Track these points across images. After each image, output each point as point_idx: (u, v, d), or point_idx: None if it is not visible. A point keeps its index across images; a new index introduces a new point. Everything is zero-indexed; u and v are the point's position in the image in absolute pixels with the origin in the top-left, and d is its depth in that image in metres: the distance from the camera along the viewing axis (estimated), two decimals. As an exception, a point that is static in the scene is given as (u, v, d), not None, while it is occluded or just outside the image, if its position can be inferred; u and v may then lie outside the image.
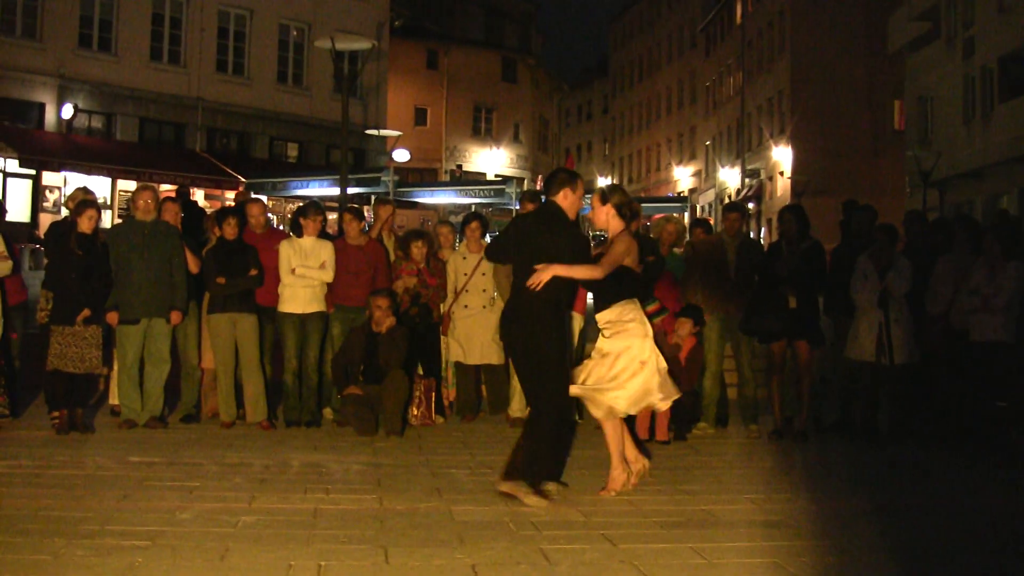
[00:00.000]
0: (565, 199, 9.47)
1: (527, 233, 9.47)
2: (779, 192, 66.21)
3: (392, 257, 13.93)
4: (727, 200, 73.58)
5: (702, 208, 78.41)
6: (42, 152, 37.74)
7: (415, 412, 13.27)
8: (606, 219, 9.68)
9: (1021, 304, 12.14)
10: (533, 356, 9.24)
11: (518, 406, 13.38)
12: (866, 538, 8.34)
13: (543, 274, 9.08)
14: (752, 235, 55.75)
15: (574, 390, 9.46)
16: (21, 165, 37.21)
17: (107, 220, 38.17)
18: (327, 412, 13.60)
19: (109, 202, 40.07)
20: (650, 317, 12.19)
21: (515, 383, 13.48)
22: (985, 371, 12.25)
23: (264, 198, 33.67)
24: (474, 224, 14.03)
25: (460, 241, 14.67)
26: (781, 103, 67.85)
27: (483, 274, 13.58)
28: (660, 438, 12.23)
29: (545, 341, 9.21)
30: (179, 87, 44.52)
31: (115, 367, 13.09)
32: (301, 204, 15.44)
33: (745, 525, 8.67)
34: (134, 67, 42.85)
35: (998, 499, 10.13)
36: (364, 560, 7.27)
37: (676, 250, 14.04)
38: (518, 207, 13.65)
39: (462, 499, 9.21)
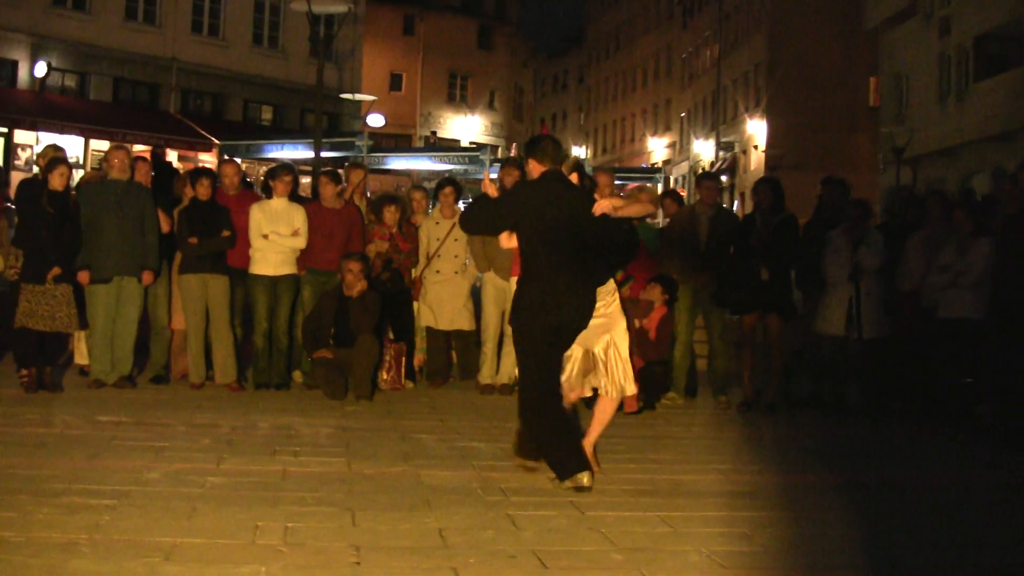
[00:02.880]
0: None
1: (545, 201, 8.79)
2: (753, 166, 66.23)
3: (365, 221, 13.88)
4: (700, 171, 73.68)
5: (675, 180, 78.39)
6: (14, 110, 37.49)
7: (385, 376, 13.26)
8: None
9: (991, 281, 12.15)
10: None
11: (488, 372, 13.41)
12: (834, 511, 8.37)
13: (603, 204, 8.77)
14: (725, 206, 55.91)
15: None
16: (-7, 123, 36.94)
17: (78, 179, 37.98)
18: (297, 375, 13.58)
19: (81, 161, 39.79)
20: (618, 285, 12.22)
21: (486, 349, 13.50)
22: (953, 347, 12.27)
23: (238, 160, 33.53)
24: (448, 189, 13.97)
25: (433, 206, 14.64)
26: (757, 77, 67.84)
27: (455, 240, 13.54)
28: (628, 409, 12.21)
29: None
30: (154, 47, 44.21)
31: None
32: (272, 166, 15.36)
33: (713, 495, 8.71)
34: (109, 26, 42.52)
35: (965, 474, 10.20)
36: (331, 523, 7.26)
37: (648, 220, 14.01)
38: (493, 175, 13.47)
39: (430, 464, 9.22)
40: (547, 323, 8.58)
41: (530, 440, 8.98)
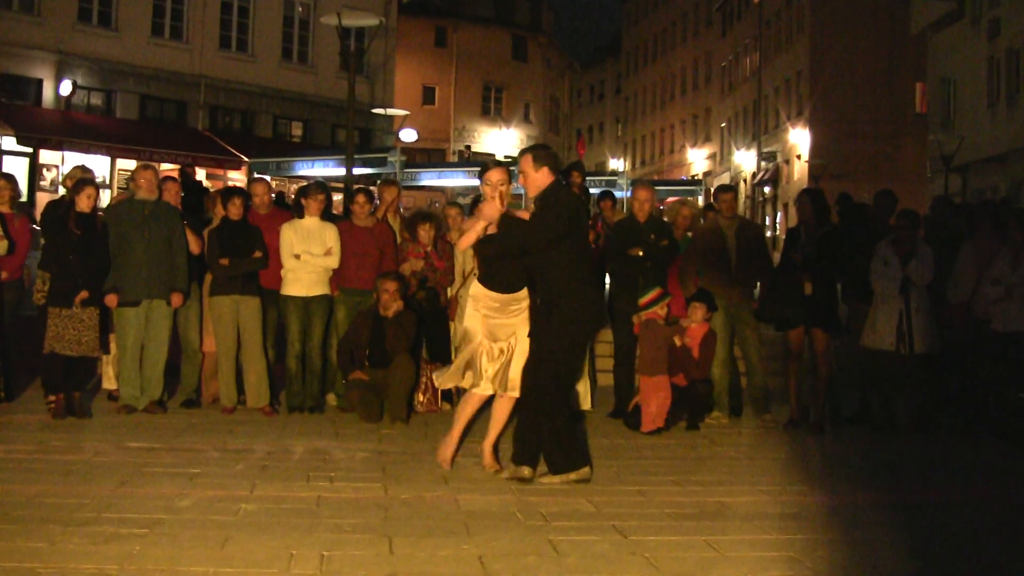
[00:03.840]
0: None
1: (578, 208, 9.60)
2: (796, 176, 66.04)
3: (398, 239, 13.90)
4: (743, 183, 73.54)
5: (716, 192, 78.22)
6: (40, 130, 37.72)
7: (421, 398, 13.26)
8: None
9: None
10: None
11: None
12: (885, 533, 8.32)
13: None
14: (748, 217, 55.66)
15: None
16: (18, 143, 37.14)
17: (106, 199, 38.21)
18: (331, 398, 13.60)
19: (108, 181, 40.03)
20: (651, 304, 12.27)
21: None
22: (1008, 361, 12.21)
23: (268, 178, 33.61)
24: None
25: (469, 223, 14.66)
26: (799, 84, 67.67)
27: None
28: (646, 428, 12.16)
29: None
30: (181, 64, 44.48)
31: (112, 350, 13.10)
32: (304, 184, 15.41)
33: (759, 517, 8.65)
34: (135, 43, 42.80)
35: (1020, 493, 10.12)
36: (368, 550, 7.27)
37: (690, 234, 14.02)
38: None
39: (469, 488, 9.21)
40: (597, 327, 9.54)
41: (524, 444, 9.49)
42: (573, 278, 9.35)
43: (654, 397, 12.19)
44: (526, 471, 9.42)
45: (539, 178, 9.48)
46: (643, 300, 12.42)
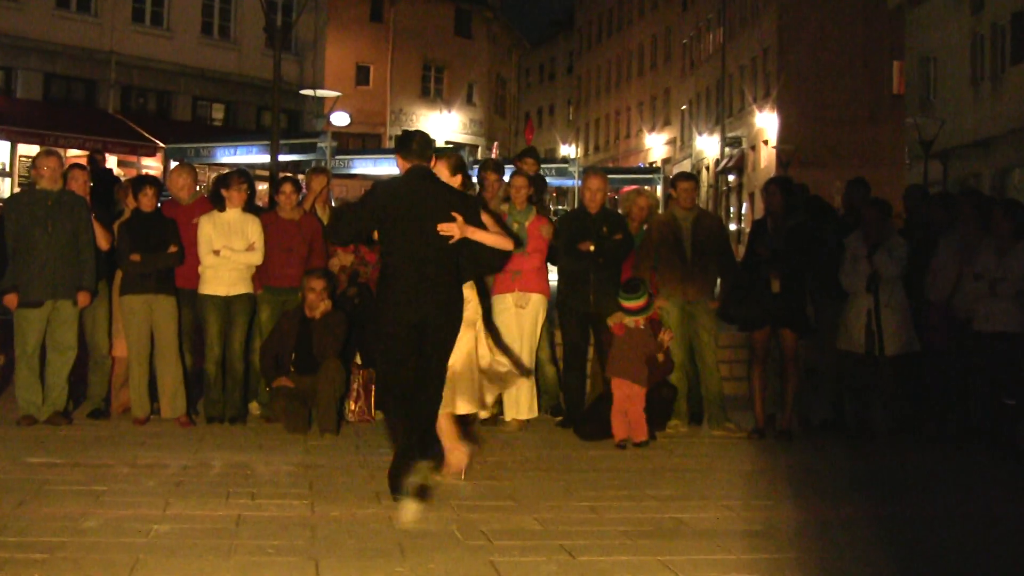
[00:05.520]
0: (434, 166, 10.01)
1: (409, 198, 9.59)
2: (763, 163, 66.43)
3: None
4: (706, 171, 73.81)
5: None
6: (-70, 112, 37.42)
7: (352, 407, 13.23)
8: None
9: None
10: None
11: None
12: (858, 551, 8.37)
13: (455, 229, 9.42)
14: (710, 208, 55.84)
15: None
16: (-93, 125, 36.83)
17: (5, 189, 37.94)
18: (253, 407, 13.55)
19: (8, 169, 39.74)
20: (638, 311, 12.25)
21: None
22: (991, 364, 12.27)
23: (187, 166, 33.43)
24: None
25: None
26: (766, 63, 68.02)
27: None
28: (638, 438, 12.19)
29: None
30: (89, 39, 44.11)
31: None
32: (224, 172, 15.33)
33: (720, 535, 8.67)
34: (38, 15, 42.40)
35: (1005, 506, 10.19)
36: (293, 573, 7.26)
37: (646, 228, 14.01)
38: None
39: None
40: (409, 319, 9.37)
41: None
42: (384, 271, 9.69)
43: (630, 404, 12.18)
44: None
45: (398, 166, 10.00)
46: (629, 303, 12.32)
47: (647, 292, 12.36)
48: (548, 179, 21.05)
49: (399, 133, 10.35)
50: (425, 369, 9.48)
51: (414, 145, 9.82)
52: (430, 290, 9.39)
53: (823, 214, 14.12)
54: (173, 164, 31.71)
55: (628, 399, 12.16)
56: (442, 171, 10.12)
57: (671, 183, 14.20)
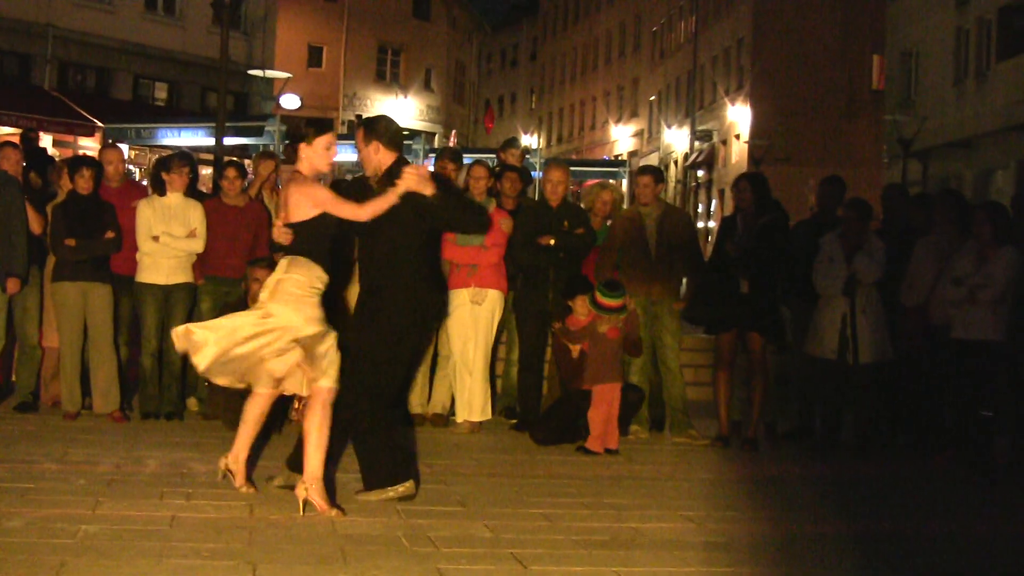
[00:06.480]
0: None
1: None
2: (734, 158, 66.60)
3: (274, 220, 13.83)
4: (674, 165, 73.94)
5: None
6: None
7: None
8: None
9: (1014, 297, 12.17)
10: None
11: (417, 400, 13.37)
12: (825, 568, 8.40)
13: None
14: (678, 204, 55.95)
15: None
16: None
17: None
18: (191, 403, 13.52)
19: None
20: (613, 311, 12.24)
21: (415, 374, 13.47)
22: (968, 373, 12.30)
23: (125, 147, 33.27)
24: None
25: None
26: (740, 54, 68.20)
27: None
28: (613, 445, 12.21)
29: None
30: (25, 10, 43.72)
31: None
32: (166, 155, 15.28)
33: (680, 547, 8.68)
34: (-32, -15, 42.17)
35: (980, 523, 10.23)
36: (228, 579, 7.23)
37: (609, 223, 14.02)
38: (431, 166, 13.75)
39: (348, 508, 9.15)
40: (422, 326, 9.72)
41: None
42: (396, 267, 9.54)
43: (606, 406, 12.20)
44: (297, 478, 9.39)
45: (379, 156, 9.66)
46: (609, 302, 12.29)
47: (625, 292, 12.38)
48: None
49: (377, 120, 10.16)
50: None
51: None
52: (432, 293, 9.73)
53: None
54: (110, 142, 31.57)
55: (611, 403, 12.22)
56: (359, 142, 9.82)
57: (634, 178, 14.22)
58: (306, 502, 8.88)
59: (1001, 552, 9.22)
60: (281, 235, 9.31)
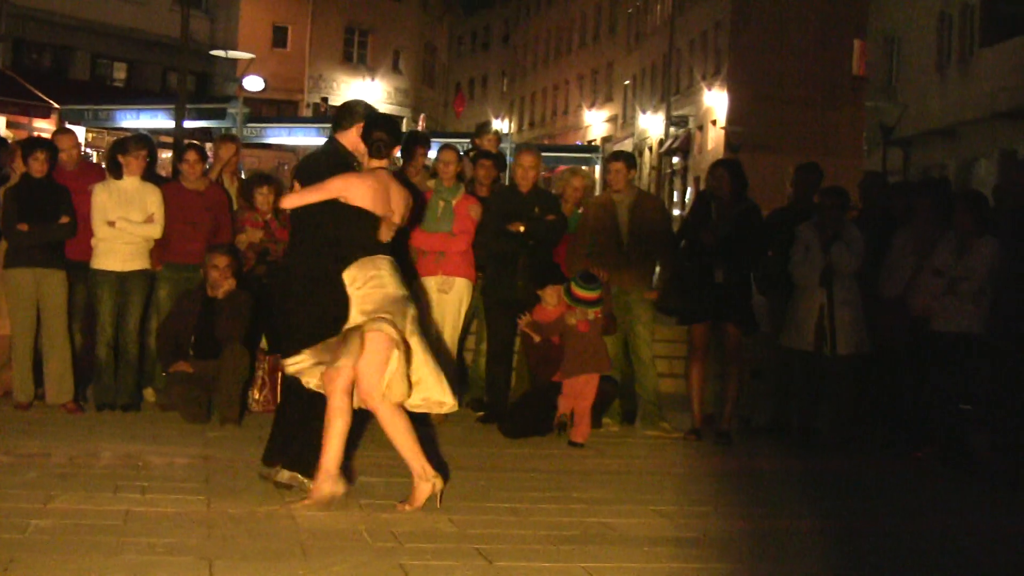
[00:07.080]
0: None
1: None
2: (711, 145, 66.70)
3: (234, 206, 13.81)
4: (649, 151, 73.99)
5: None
6: None
7: (257, 396, 13.19)
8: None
9: (994, 289, 12.19)
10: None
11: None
12: (801, 565, 8.42)
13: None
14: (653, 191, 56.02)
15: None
16: None
17: None
18: (148, 393, 13.49)
19: None
20: (590, 303, 12.24)
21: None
22: (947, 367, 12.33)
23: (82, 129, 33.21)
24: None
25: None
26: (717, 38, 68.29)
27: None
28: (579, 439, 12.23)
29: None
30: (-22, -12, 43.76)
31: None
32: (122, 137, 15.23)
33: (651, 543, 8.68)
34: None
35: (958, 520, 10.25)
36: (185, 573, 7.22)
37: (581, 210, 14.01)
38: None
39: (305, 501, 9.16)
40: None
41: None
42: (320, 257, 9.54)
43: (572, 400, 12.22)
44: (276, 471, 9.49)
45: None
46: (586, 294, 12.30)
47: (601, 285, 12.37)
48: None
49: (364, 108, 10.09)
50: None
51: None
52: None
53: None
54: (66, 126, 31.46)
55: (578, 397, 12.25)
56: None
57: (604, 163, 14.24)
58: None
59: (976, 547, 9.25)
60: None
